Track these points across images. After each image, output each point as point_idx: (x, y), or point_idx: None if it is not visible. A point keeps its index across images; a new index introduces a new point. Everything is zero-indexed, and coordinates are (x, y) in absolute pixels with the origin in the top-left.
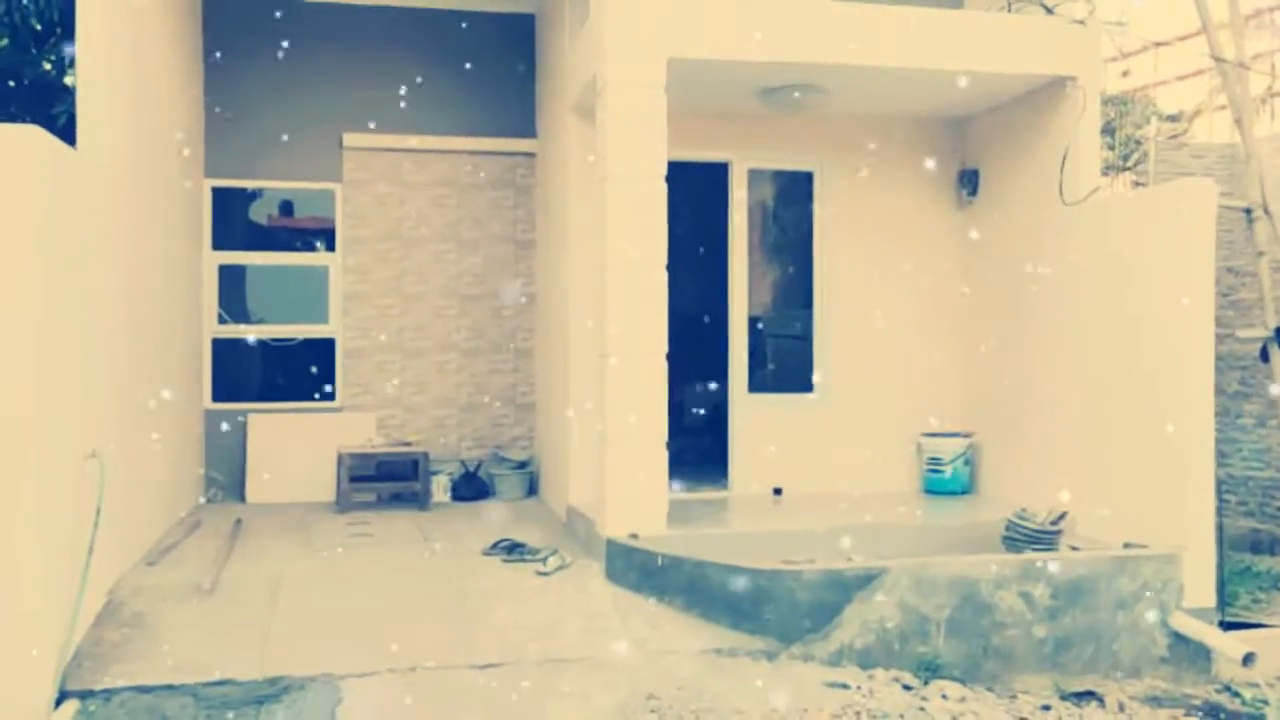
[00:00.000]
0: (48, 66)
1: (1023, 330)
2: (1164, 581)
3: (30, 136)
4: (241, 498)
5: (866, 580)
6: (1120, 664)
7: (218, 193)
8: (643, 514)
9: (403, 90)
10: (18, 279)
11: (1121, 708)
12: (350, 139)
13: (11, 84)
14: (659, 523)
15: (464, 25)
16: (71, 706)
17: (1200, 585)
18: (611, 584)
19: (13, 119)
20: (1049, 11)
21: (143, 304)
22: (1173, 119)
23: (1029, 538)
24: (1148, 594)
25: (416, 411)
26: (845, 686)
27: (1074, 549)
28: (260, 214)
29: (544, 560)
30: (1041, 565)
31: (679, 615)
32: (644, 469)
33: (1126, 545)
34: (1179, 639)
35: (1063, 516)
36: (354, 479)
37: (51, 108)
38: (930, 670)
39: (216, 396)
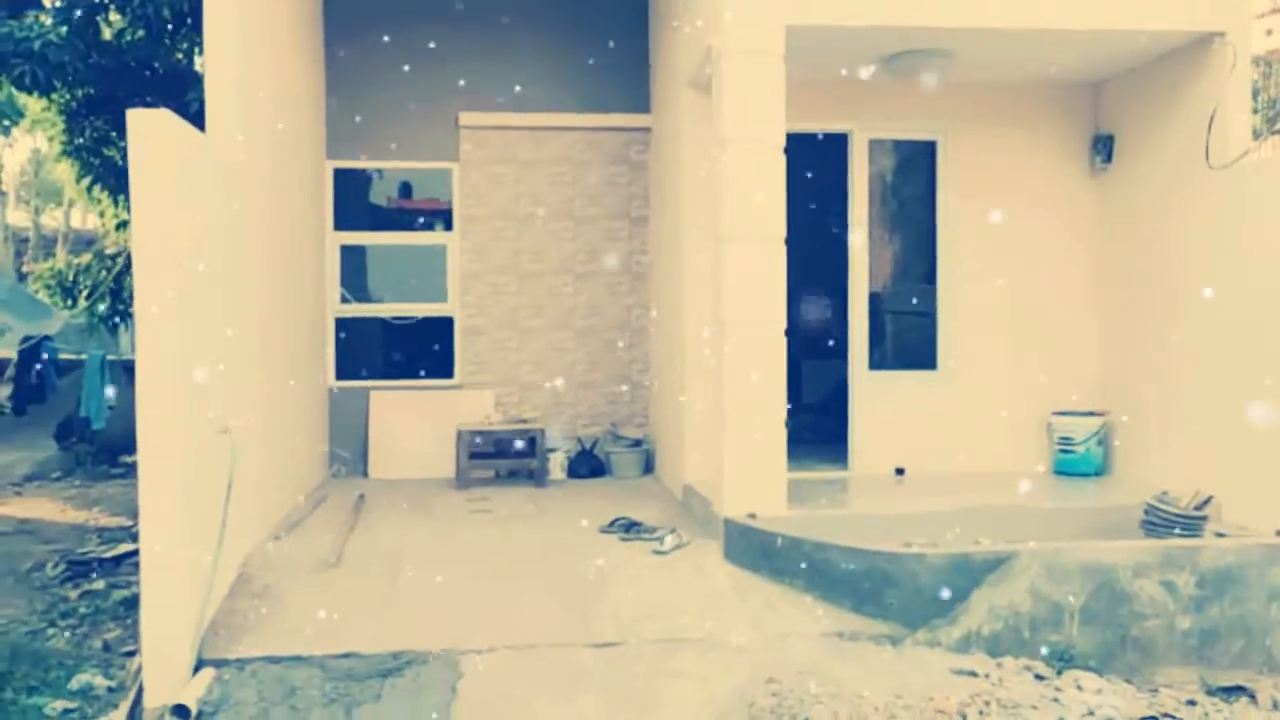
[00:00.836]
0: (180, 56)
1: (1161, 303)
2: None
3: (161, 121)
4: (364, 473)
5: (995, 564)
6: (1273, 659)
7: (339, 174)
8: (761, 493)
9: (517, 68)
10: (155, 258)
11: (1276, 704)
12: (466, 118)
13: (147, 73)
14: (778, 503)
15: (578, 1)
16: (208, 675)
17: None
18: (729, 564)
19: (148, 107)
20: None
21: (273, 283)
22: None
23: (1171, 523)
24: None
25: (533, 389)
26: (973, 674)
27: (1220, 535)
28: (380, 196)
29: (661, 539)
30: (1185, 552)
31: (798, 597)
32: (763, 448)
33: (1279, 533)
34: None
35: (1208, 501)
36: (473, 455)
37: (184, 95)
38: (1063, 660)
39: (339, 374)
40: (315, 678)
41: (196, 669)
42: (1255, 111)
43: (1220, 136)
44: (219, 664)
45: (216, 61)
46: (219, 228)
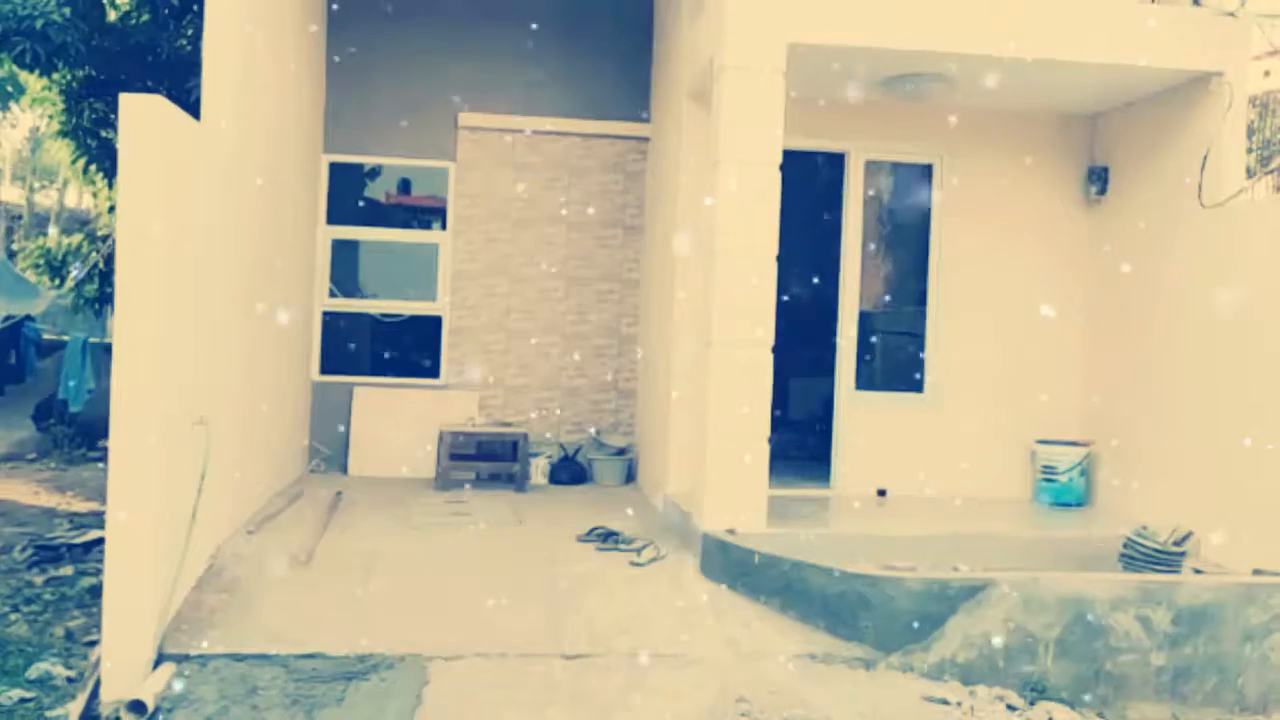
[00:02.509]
0: (184, 42)
1: (1149, 337)
2: None
3: (154, 106)
4: (344, 470)
5: (972, 592)
6: (1246, 700)
7: (335, 168)
8: (742, 509)
9: (519, 71)
10: (140, 244)
11: None
12: (465, 119)
13: (150, 59)
14: (758, 519)
15: (581, 7)
16: (168, 670)
17: None
18: (706, 579)
19: (149, 93)
20: (1196, 2)
21: (261, 274)
22: None
23: (1150, 558)
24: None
25: (518, 392)
26: (945, 702)
27: (1197, 572)
28: (378, 191)
29: (638, 551)
30: (1163, 588)
31: (774, 616)
32: (745, 464)
33: (1256, 572)
34: None
35: (1187, 537)
36: (454, 457)
37: (186, 82)
38: (1036, 691)
39: (324, 368)
40: (278, 677)
41: (157, 663)
42: (1250, 151)
43: (1214, 174)
44: (180, 659)
45: (216, 49)
46: (208, 216)
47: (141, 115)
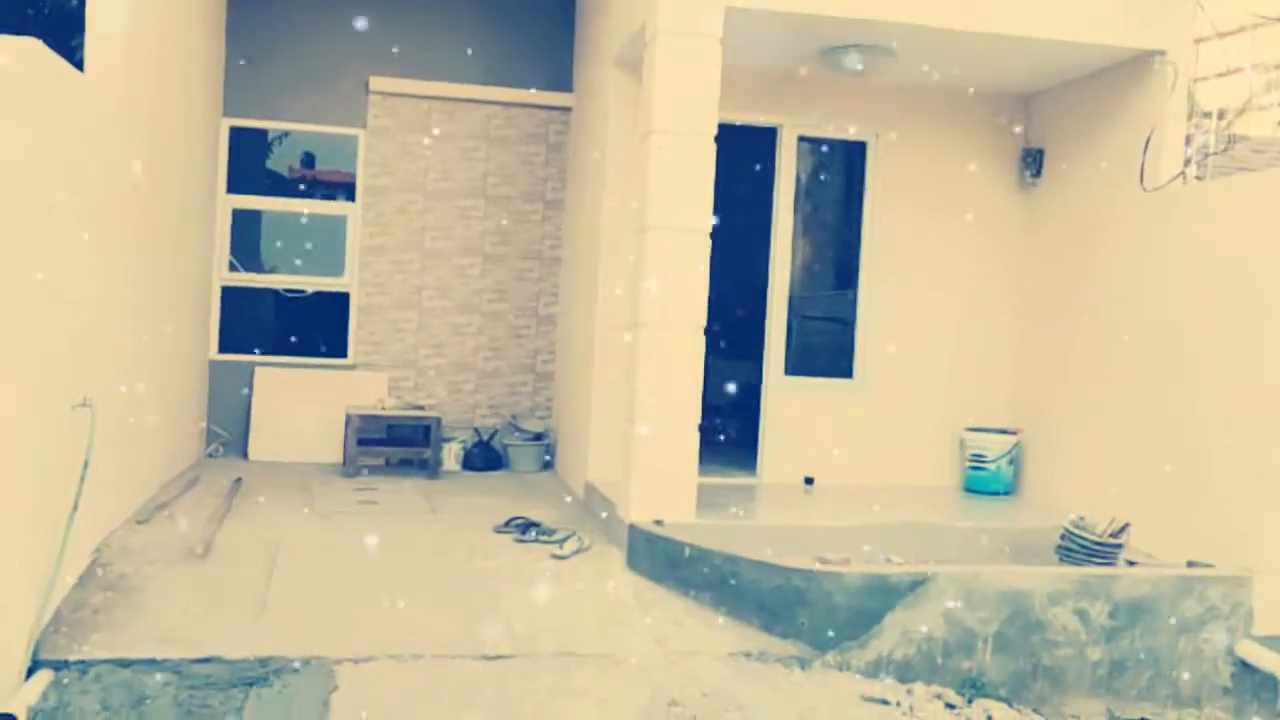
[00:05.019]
0: None
1: (1081, 322)
2: (1232, 605)
3: (29, 50)
4: (244, 454)
5: (911, 587)
6: (1180, 692)
7: (236, 134)
8: (669, 499)
9: (434, 35)
10: (11, 204)
11: None
12: (377, 83)
13: (30, 11)
14: (687, 510)
15: None
16: (43, 679)
17: (1272, 611)
18: (633, 573)
19: None
20: None
21: (149, 242)
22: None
23: (1088, 550)
24: (1214, 618)
25: (431, 374)
26: (884, 702)
27: (1130, 564)
28: (281, 164)
29: (560, 543)
30: (1101, 581)
31: (705, 612)
32: (673, 452)
33: (1190, 564)
34: (1246, 668)
35: (1124, 529)
36: (362, 441)
37: (72, 39)
38: (974, 688)
39: (223, 347)
40: (169, 685)
41: (31, 671)
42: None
43: (1153, 157)
44: (58, 665)
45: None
46: (91, 177)
47: (16, 60)
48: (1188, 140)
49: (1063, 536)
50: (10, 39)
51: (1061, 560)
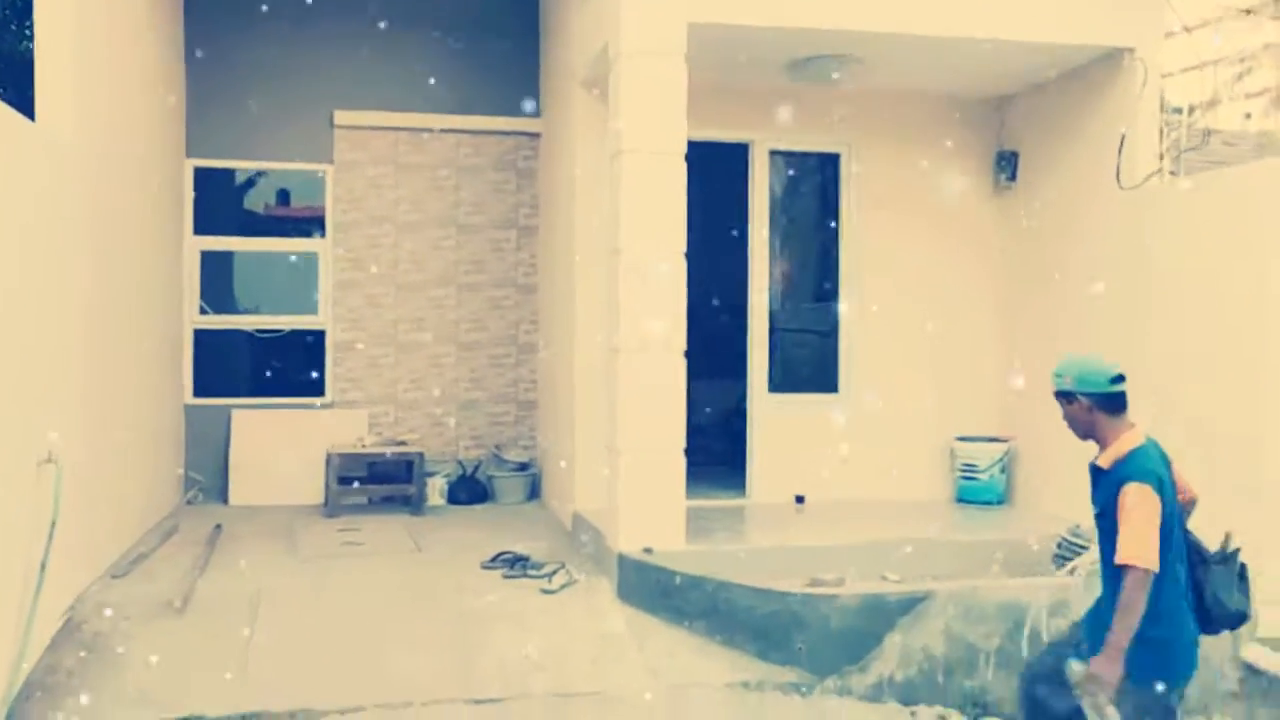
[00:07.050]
0: (27, 43)
1: (1064, 326)
2: None
3: None
4: (224, 499)
5: (910, 604)
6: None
7: (203, 175)
8: (658, 526)
9: (398, 66)
10: None
11: None
12: (342, 117)
13: None
14: (676, 536)
15: None
16: None
17: (1274, 613)
18: (624, 604)
19: None
20: None
21: (114, 291)
22: (1177, 111)
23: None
24: None
25: (411, 408)
26: None
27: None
28: (256, 202)
29: (549, 576)
30: None
31: (700, 641)
32: (660, 477)
33: None
34: (1252, 672)
35: None
36: (343, 480)
37: (31, 88)
38: (979, 706)
39: (198, 391)
40: None
41: None
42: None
43: (1129, 155)
44: None
45: (49, 43)
46: (49, 225)
47: None
48: (1161, 136)
49: (1059, 545)
50: None
51: (1059, 569)
